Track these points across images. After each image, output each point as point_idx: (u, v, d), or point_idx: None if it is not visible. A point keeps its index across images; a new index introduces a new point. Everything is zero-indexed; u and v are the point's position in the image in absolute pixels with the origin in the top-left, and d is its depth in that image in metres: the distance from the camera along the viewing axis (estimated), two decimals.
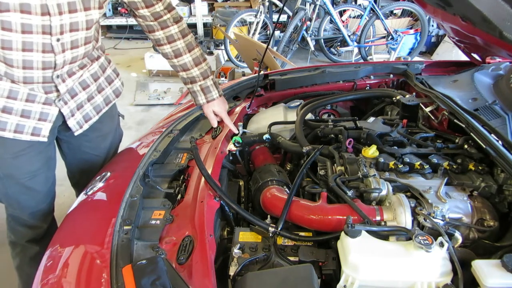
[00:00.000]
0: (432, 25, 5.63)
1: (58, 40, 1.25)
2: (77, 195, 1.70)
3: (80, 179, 1.71)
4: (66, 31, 1.25)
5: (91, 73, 1.49)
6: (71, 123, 1.46)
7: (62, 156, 1.70)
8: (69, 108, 1.43)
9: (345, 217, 1.08)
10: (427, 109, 1.70)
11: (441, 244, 0.93)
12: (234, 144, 1.57)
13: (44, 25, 1.19)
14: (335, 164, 1.35)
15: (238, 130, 1.62)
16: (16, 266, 1.68)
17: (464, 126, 1.43)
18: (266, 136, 1.59)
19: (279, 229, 1.11)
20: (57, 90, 1.36)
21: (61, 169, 1.66)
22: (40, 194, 1.52)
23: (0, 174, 1.40)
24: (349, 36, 5.44)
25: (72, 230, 1.24)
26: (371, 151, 1.36)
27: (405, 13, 5.74)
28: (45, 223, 1.61)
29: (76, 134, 1.50)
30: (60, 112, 1.41)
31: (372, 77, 2.16)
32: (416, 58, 5.42)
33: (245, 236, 1.14)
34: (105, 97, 1.59)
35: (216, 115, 1.65)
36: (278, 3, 5.53)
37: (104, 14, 5.74)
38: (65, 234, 1.22)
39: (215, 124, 1.64)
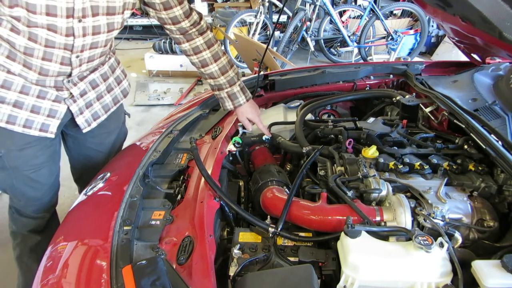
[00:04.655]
0: (432, 26, 5.63)
1: (77, 56, 1.32)
2: (80, 191, 1.71)
3: (83, 174, 1.75)
4: (87, 49, 1.33)
5: (100, 73, 1.53)
6: (79, 120, 1.49)
7: (66, 151, 1.73)
8: (77, 106, 1.46)
9: (345, 217, 1.08)
10: (427, 110, 1.70)
11: (441, 245, 0.94)
12: (234, 144, 1.57)
13: (66, 43, 1.26)
14: (335, 165, 1.35)
15: (256, 128, 1.65)
16: (16, 256, 1.69)
17: (464, 126, 1.43)
18: (266, 136, 1.59)
19: (279, 229, 1.11)
20: (68, 89, 1.41)
21: (62, 169, 1.66)
22: (45, 186, 1.54)
23: (6, 165, 1.42)
24: (349, 36, 5.44)
25: (71, 230, 1.24)
26: (371, 152, 1.36)
27: (405, 14, 5.74)
28: (48, 214, 1.64)
29: (84, 131, 1.53)
30: (68, 109, 1.44)
31: (372, 77, 2.16)
32: (416, 59, 5.42)
33: (245, 236, 1.14)
34: (114, 97, 1.62)
35: (249, 120, 1.67)
36: (278, 3, 5.53)
37: None
38: (65, 235, 1.22)
39: (249, 129, 1.68)
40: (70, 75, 1.36)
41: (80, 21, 1.22)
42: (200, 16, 1.54)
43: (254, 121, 1.66)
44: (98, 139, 1.68)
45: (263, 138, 1.60)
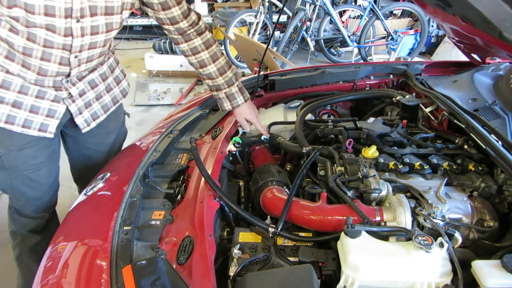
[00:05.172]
0: (432, 26, 5.63)
1: (76, 56, 1.32)
2: (80, 191, 1.71)
3: (82, 174, 1.75)
4: (85, 49, 1.33)
5: (100, 73, 1.53)
6: (78, 120, 1.50)
7: (66, 151, 1.73)
8: (76, 106, 1.47)
9: (345, 217, 1.08)
10: (427, 110, 1.70)
11: (441, 245, 0.94)
12: (234, 144, 1.57)
13: (65, 44, 1.26)
14: (335, 165, 1.35)
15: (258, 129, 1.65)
16: (16, 256, 1.70)
17: (464, 126, 1.43)
18: (264, 136, 1.59)
19: (279, 229, 1.11)
20: (67, 89, 1.41)
21: (62, 169, 1.67)
22: (45, 186, 1.55)
23: (6, 165, 1.43)
24: (349, 36, 5.44)
25: (71, 230, 1.24)
26: (371, 152, 1.36)
27: (405, 14, 5.74)
28: (48, 213, 1.64)
29: (83, 131, 1.53)
30: (67, 109, 1.44)
31: (372, 77, 2.16)
32: (416, 59, 5.42)
33: (245, 236, 1.14)
34: (113, 96, 1.63)
35: (247, 121, 1.68)
36: (278, 3, 5.53)
37: None
38: (65, 235, 1.22)
39: (247, 129, 1.69)
40: (69, 75, 1.36)
41: (78, 21, 1.22)
42: (199, 17, 1.54)
43: (252, 122, 1.67)
44: (97, 139, 1.68)
45: (262, 138, 1.60)
